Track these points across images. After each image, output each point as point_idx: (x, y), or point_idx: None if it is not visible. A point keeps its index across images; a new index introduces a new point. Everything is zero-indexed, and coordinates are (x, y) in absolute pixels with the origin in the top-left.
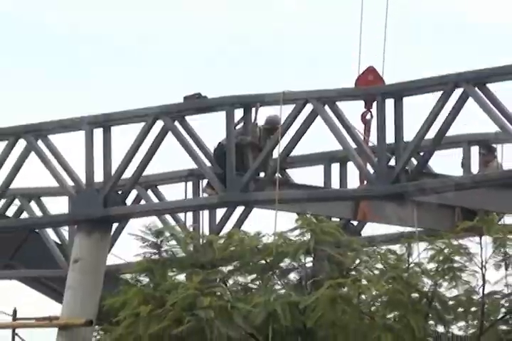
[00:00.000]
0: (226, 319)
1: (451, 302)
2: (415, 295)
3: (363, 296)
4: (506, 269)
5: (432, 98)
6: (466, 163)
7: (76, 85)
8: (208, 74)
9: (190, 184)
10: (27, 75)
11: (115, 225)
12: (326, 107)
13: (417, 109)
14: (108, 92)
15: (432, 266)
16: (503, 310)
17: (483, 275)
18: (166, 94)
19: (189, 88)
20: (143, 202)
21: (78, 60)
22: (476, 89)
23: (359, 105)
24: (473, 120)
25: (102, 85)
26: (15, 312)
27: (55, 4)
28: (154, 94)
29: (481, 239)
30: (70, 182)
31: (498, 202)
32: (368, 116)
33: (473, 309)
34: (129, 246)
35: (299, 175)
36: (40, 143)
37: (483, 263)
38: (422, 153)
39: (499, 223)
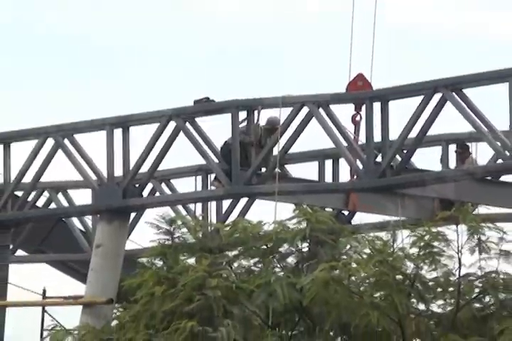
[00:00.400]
0: (231, 298)
1: (430, 283)
2: (399, 276)
3: (353, 278)
4: (480, 254)
5: (415, 101)
6: (444, 160)
7: (90, 87)
8: (209, 74)
9: (199, 178)
10: (47, 77)
11: (133, 214)
12: (321, 110)
13: (402, 111)
14: (118, 93)
15: (413, 250)
16: (476, 290)
17: (459, 259)
18: (173, 93)
19: (192, 87)
20: (157, 194)
21: (93, 65)
22: (453, 93)
23: (350, 107)
24: (450, 121)
25: (114, 86)
26: (44, 291)
27: (74, 10)
28: (161, 93)
29: (457, 227)
30: (93, 177)
31: (473, 194)
32: (358, 118)
33: (450, 289)
34: (145, 233)
35: (297, 170)
36: (66, 141)
37: (459, 249)
38: (405, 151)
39: (473, 213)
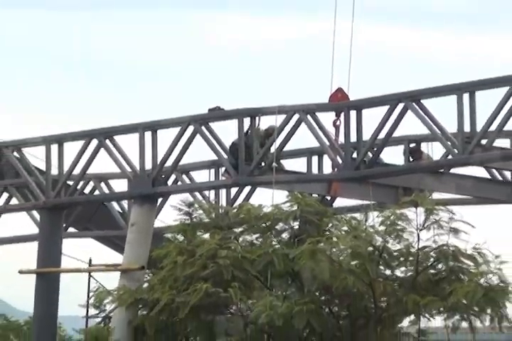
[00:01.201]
0: (238, 265)
1: (395, 254)
2: (370, 248)
3: (334, 249)
4: (434, 230)
5: (383, 109)
6: (406, 156)
7: (120, 97)
8: (219, 88)
9: (212, 171)
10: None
11: (160, 199)
12: (309, 116)
13: (373, 117)
14: (147, 103)
15: (382, 228)
16: (431, 259)
17: (418, 235)
18: (190, 103)
19: (205, 98)
20: (179, 183)
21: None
22: (413, 103)
23: (332, 115)
24: (411, 125)
25: (143, 98)
26: (90, 261)
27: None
28: (181, 103)
29: (416, 209)
30: (128, 169)
31: (429, 183)
32: (338, 123)
33: (410, 258)
34: (169, 214)
35: (289, 164)
36: (107, 141)
37: (418, 226)
38: (375, 149)
39: (429, 198)
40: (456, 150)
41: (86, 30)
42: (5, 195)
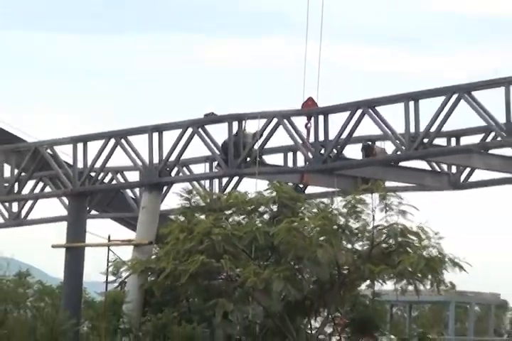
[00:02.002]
0: (228, 241)
1: (355, 231)
2: (335, 227)
3: (306, 227)
4: (386, 212)
5: (346, 114)
6: (363, 152)
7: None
8: (213, 96)
9: (207, 164)
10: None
11: (165, 187)
12: (285, 120)
13: (337, 121)
14: (155, 110)
15: (344, 210)
16: (384, 235)
17: (373, 216)
18: (189, 109)
19: (202, 105)
20: (181, 174)
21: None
22: (370, 110)
23: (304, 119)
24: (368, 127)
25: (152, 106)
26: (109, 237)
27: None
28: (181, 109)
29: (372, 195)
30: (139, 163)
31: (382, 174)
32: (309, 125)
33: (367, 234)
34: (173, 199)
35: (270, 159)
36: (122, 140)
37: (373, 208)
38: (339, 146)
39: (382, 186)
40: (403, 148)
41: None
42: (40, 184)
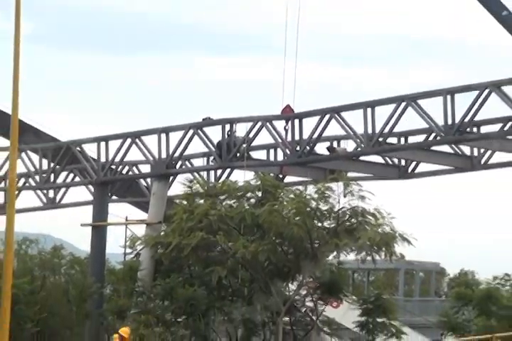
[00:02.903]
0: (222, 220)
1: (324, 212)
2: (308, 209)
3: (285, 209)
4: (345, 197)
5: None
6: (330, 148)
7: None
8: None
9: (205, 159)
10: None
11: (171, 177)
12: (268, 123)
13: (310, 124)
14: (162, 116)
15: (315, 195)
16: (347, 216)
17: (339, 200)
18: (189, 114)
19: (201, 111)
20: (184, 167)
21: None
22: (336, 114)
23: (283, 122)
24: (334, 129)
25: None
26: (126, 217)
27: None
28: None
29: (337, 183)
30: (151, 158)
31: (346, 166)
32: (287, 127)
33: (333, 215)
34: (177, 187)
35: (255, 154)
36: (137, 140)
37: (339, 194)
38: (311, 144)
39: (346, 176)
40: (362, 145)
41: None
42: (71, 175)
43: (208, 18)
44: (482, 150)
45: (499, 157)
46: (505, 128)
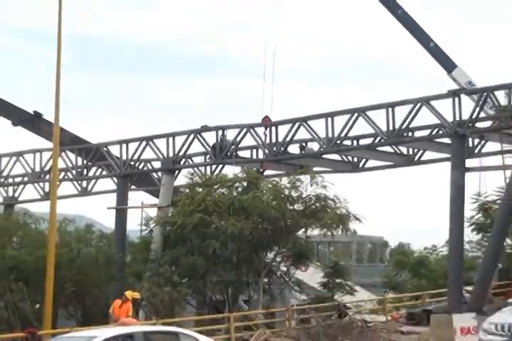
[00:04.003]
0: (216, 204)
1: (295, 198)
2: (282, 195)
3: (264, 196)
4: (311, 186)
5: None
6: (301, 148)
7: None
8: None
9: (203, 157)
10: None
11: (177, 172)
12: (251, 129)
13: (283, 130)
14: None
15: (288, 185)
16: (313, 201)
17: (306, 188)
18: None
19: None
20: (186, 163)
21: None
22: (304, 123)
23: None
24: (302, 135)
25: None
26: (142, 202)
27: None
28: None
29: (305, 175)
30: (161, 156)
31: (312, 163)
32: (266, 132)
33: (302, 200)
34: (182, 179)
35: (242, 153)
36: (150, 142)
37: (306, 184)
38: (285, 145)
39: (312, 170)
40: (324, 146)
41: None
42: (99, 170)
43: (208, 48)
44: (415, 150)
45: (428, 155)
46: (433, 133)
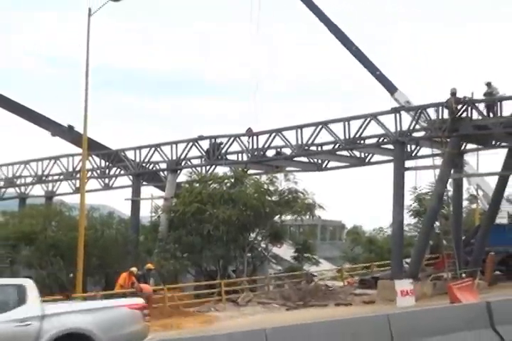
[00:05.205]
0: (210, 196)
1: (272, 191)
2: (262, 189)
3: (248, 190)
4: (285, 182)
5: (266, 136)
6: (281, 152)
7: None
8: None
9: (199, 159)
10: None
11: (179, 171)
12: (237, 138)
13: (263, 139)
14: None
15: (267, 181)
16: (286, 193)
17: (281, 184)
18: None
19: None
20: (187, 164)
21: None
22: (279, 133)
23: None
24: (279, 142)
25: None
26: (152, 195)
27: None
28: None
29: (280, 173)
30: (166, 159)
31: (285, 164)
32: (249, 141)
33: (278, 193)
34: (182, 177)
35: (230, 157)
36: (158, 149)
37: (281, 180)
38: (264, 151)
39: (286, 169)
40: (295, 151)
41: None
42: (118, 170)
43: (209, 70)
44: (366, 154)
45: (376, 158)
46: (379, 141)
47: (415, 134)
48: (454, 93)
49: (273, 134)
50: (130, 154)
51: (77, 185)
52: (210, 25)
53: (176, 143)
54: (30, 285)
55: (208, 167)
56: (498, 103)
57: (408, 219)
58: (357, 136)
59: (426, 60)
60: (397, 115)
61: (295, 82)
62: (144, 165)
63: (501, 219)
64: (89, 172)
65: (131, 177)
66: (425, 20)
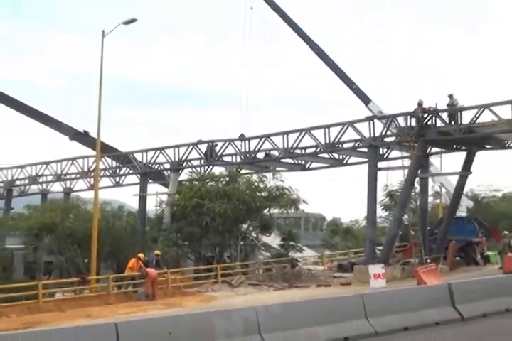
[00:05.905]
0: (207, 192)
1: (262, 188)
2: (253, 186)
3: (241, 187)
4: (273, 180)
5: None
6: (268, 155)
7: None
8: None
9: (199, 161)
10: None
11: (181, 170)
12: (232, 142)
13: (254, 143)
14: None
15: (257, 180)
16: (274, 189)
17: (270, 181)
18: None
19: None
20: (187, 165)
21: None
22: (268, 138)
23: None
24: (268, 146)
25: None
26: (157, 191)
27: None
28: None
29: (269, 173)
30: (169, 160)
31: (274, 164)
32: (241, 144)
33: (267, 189)
34: (184, 175)
35: (226, 158)
36: (163, 151)
37: (270, 179)
38: (255, 153)
39: (275, 169)
40: (282, 153)
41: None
42: (127, 170)
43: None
44: (344, 156)
45: (353, 159)
46: (355, 145)
47: (387, 139)
48: (420, 104)
49: (263, 139)
50: (138, 156)
51: (92, 183)
52: (208, 38)
53: (178, 146)
54: None
55: (206, 167)
56: (459, 112)
57: (380, 212)
58: (336, 140)
59: (425, 60)
60: (371, 123)
61: (283, 93)
62: (150, 165)
63: (461, 212)
64: (102, 172)
65: (138, 175)
66: (424, 21)
